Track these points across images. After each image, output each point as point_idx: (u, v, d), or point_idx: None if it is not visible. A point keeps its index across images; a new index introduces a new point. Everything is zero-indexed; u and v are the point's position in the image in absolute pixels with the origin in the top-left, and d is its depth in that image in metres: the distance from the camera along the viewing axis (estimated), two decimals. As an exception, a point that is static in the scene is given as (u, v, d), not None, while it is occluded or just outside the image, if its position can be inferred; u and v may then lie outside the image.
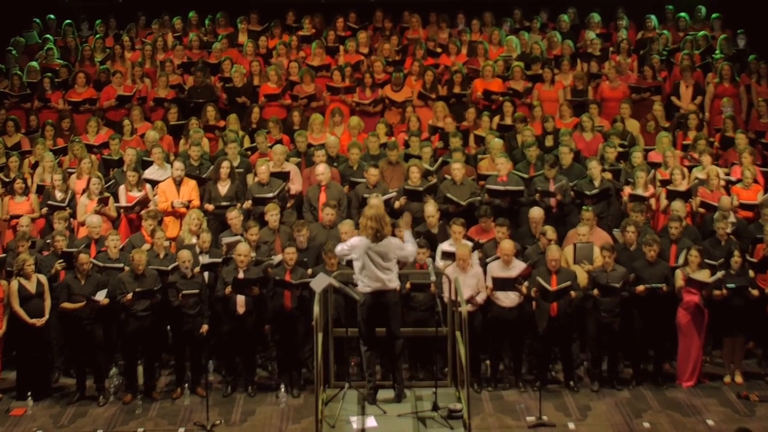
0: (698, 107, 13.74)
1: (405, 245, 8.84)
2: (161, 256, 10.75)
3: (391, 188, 11.77)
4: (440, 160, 12.28)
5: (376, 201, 10.94)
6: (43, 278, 10.48)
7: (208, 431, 9.73)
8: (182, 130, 13.21)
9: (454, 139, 12.50)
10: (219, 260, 10.61)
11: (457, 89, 13.70)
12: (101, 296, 10.25)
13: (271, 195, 11.43)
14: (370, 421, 8.58)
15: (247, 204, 11.57)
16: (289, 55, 14.72)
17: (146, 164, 12.22)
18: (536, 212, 11.15)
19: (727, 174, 12.15)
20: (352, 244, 8.81)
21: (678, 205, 11.24)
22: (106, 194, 11.65)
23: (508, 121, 13.21)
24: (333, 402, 8.94)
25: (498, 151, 12.05)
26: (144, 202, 11.61)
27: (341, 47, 14.86)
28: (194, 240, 10.93)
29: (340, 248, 9.06)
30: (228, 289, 10.31)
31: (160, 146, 12.37)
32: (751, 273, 10.60)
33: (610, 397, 10.37)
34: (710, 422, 9.82)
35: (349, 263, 9.88)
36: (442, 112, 13.21)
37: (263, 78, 14.10)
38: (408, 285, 10.30)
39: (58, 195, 11.71)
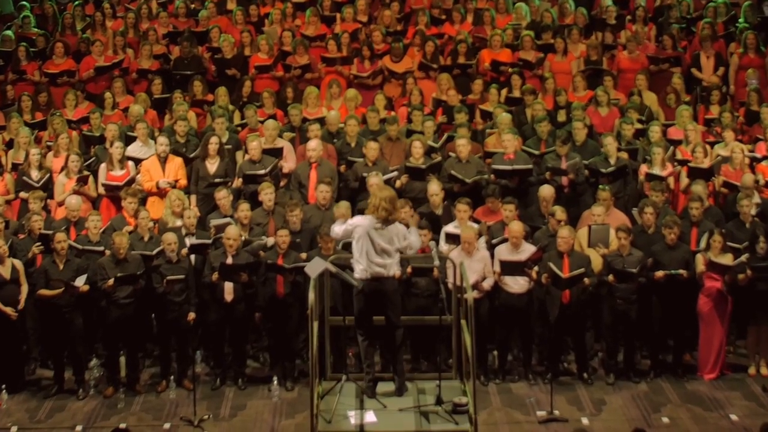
0: (721, 79, 13.62)
1: (409, 235, 8.74)
2: (145, 238, 10.64)
3: (392, 166, 11.65)
4: (445, 136, 12.17)
5: (375, 180, 10.84)
6: (18, 263, 10.33)
7: (195, 427, 9.66)
8: (167, 104, 13.07)
9: (459, 113, 12.38)
10: (208, 241, 10.50)
11: (461, 60, 13.56)
12: (81, 282, 10.13)
13: (262, 172, 11.31)
14: (369, 416, 8.52)
15: (237, 183, 11.46)
16: (283, 24, 14.59)
17: (129, 140, 12.07)
18: (546, 190, 11.03)
19: (752, 151, 12.01)
20: (355, 223, 8.69)
21: (698, 187, 11.11)
22: (86, 173, 11.53)
23: (516, 94, 13.09)
24: (329, 395, 8.87)
25: (506, 127, 11.92)
26: (133, 183, 11.49)
27: (338, 15, 14.69)
28: (178, 222, 10.82)
29: (341, 228, 8.89)
30: (215, 276, 10.20)
31: (145, 121, 12.25)
32: (777, 257, 10.49)
33: (626, 390, 10.28)
34: (734, 417, 9.74)
35: (346, 246, 9.83)
36: (446, 84, 13.07)
37: (254, 48, 13.96)
38: (409, 270, 10.19)
39: (34, 174, 11.56)
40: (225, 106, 12.82)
